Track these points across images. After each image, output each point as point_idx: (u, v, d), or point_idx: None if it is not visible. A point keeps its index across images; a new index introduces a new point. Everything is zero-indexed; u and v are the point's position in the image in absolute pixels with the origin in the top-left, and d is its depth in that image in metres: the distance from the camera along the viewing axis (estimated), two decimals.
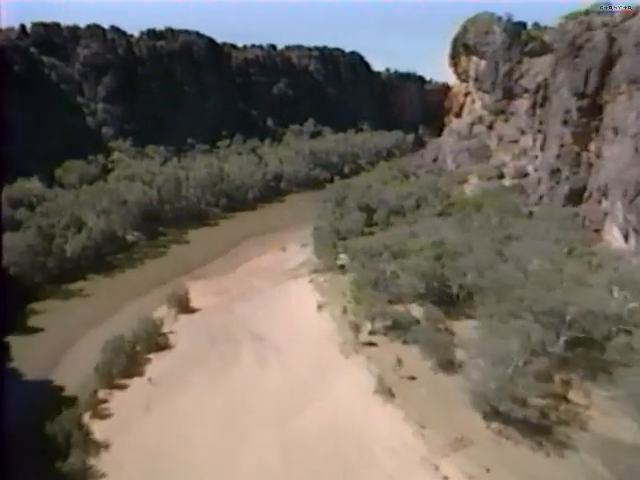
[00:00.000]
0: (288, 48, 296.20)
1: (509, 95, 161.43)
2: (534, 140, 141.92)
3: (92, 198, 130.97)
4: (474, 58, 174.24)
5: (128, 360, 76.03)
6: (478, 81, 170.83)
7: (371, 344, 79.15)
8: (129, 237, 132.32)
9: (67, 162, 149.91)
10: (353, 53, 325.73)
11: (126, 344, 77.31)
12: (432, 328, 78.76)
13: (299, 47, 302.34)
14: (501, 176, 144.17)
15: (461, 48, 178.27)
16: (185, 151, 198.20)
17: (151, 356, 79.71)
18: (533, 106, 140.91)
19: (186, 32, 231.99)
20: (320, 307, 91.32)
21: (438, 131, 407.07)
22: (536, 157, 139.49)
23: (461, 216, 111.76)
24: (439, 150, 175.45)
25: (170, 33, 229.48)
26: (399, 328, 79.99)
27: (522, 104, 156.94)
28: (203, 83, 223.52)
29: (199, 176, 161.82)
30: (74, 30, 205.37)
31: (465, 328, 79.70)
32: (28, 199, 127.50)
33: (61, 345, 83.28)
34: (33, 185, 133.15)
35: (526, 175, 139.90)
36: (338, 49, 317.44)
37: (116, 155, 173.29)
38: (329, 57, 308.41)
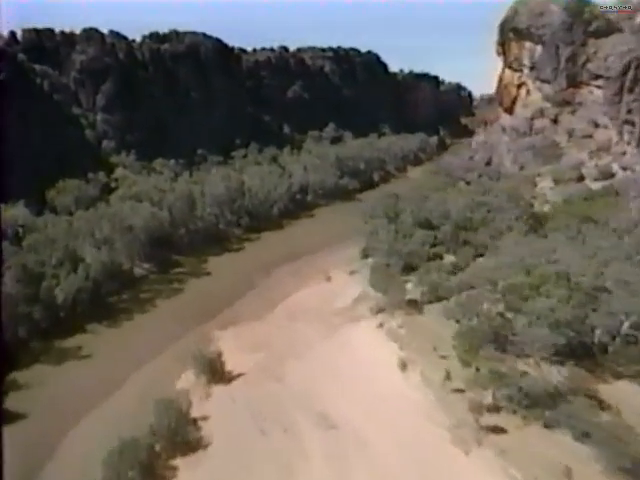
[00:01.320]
0: (300, 50, 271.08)
1: (574, 83, 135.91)
2: (619, 134, 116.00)
3: (90, 225, 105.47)
4: (527, 44, 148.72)
5: (143, 474, 49.98)
6: (535, 69, 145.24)
7: (498, 429, 53.34)
8: (137, 270, 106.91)
9: (61, 182, 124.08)
10: (369, 53, 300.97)
11: (140, 448, 51.31)
12: (586, 404, 52.96)
13: (312, 48, 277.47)
14: (581, 178, 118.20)
15: (511, 33, 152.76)
16: (197, 163, 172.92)
17: (177, 462, 53.50)
18: (618, 92, 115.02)
19: (192, 33, 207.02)
20: (404, 366, 65.51)
21: (459, 133, 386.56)
22: (623, 154, 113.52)
23: (569, 232, 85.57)
24: (491, 150, 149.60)
25: (175, 35, 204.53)
26: (534, 402, 54.20)
27: (592, 92, 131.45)
28: (211, 88, 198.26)
29: (216, 192, 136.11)
30: (69, 35, 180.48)
31: (623, 394, 54.62)
32: (13, 230, 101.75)
33: (47, 446, 57.40)
34: (19, 212, 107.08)
35: (612, 175, 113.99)
36: (354, 49, 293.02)
37: (119, 171, 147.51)
38: (344, 58, 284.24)
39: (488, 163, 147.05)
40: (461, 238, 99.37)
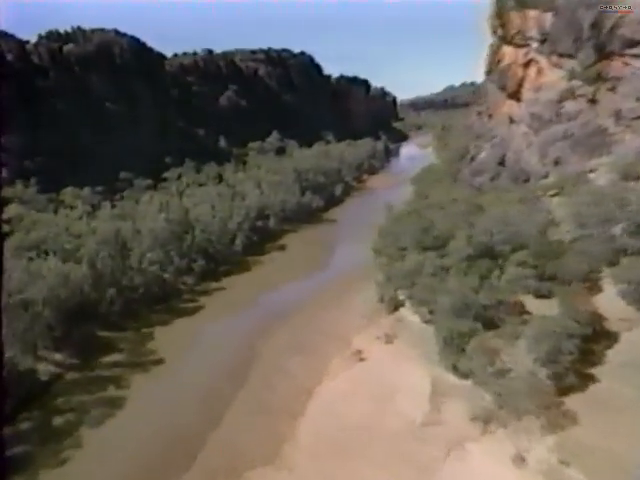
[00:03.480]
0: (226, 53, 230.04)
1: (606, 53, 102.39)
2: None
3: None
4: (532, 12, 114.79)
5: None
6: (548, 42, 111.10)
7: None
8: (43, 368, 64.00)
9: None
10: (303, 54, 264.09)
11: None
12: None
13: (240, 51, 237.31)
14: None
15: (510, 1, 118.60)
16: (121, 190, 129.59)
17: None
18: None
19: (101, 31, 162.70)
20: None
21: (396, 137, 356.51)
22: None
23: None
24: (504, 146, 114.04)
25: (80, 34, 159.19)
26: None
27: (629, 64, 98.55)
28: (131, 97, 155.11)
29: (154, 228, 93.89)
30: None
31: None
32: None
33: None
34: None
35: None
36: (286, 50, 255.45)
37: (13, 209, 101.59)
38: (277, 60, 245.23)
39: (501, 162, 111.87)
40: (548, 271, 62.39)
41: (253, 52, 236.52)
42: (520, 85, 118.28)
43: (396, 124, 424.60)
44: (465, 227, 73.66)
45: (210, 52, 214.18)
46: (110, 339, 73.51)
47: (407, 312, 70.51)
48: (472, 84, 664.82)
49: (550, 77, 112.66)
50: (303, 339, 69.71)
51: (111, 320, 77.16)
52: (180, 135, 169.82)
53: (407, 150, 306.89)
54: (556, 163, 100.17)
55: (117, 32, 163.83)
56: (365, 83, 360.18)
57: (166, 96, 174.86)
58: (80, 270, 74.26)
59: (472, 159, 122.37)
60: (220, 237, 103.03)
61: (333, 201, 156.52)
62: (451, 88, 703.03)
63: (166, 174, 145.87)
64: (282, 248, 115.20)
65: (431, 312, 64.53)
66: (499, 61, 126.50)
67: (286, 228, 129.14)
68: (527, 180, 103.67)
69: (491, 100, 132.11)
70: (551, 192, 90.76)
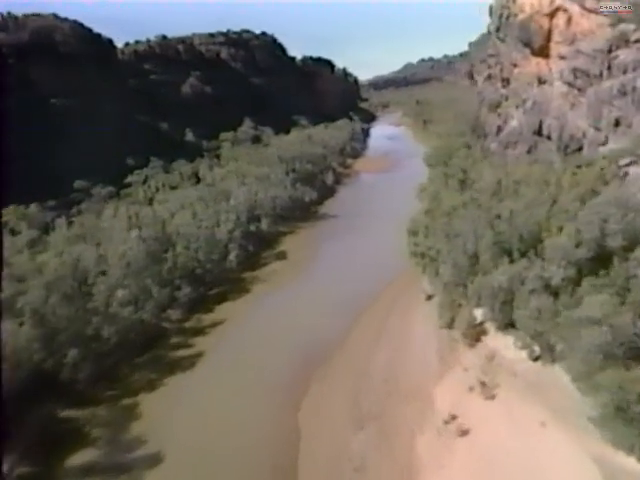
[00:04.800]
0: (183, 38, 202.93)
1: None
2: None
3: None
4: None
5: None
6: None
7: None
8: None
9: None
10: (265, 35, 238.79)
11: None
12: None
13: (197, 35, 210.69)
14: None
15: None
16: (77, 203, 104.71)
17: None
18: None
19: (37, 16, 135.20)
20: None
21: (366, 117, 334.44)
22: None
23: None
24: (540, 111, 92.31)
25: (12, 20, 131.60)
26: None
27: None
28: (80, 89, 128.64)
29: (124, 251, 70.21)
30: None
31: None
32: None
33: None
34: None
35: None
36: (247, 31, 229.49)
37: None
38: (239, 41, 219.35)
39: (538, 132, 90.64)
40: None
41: (212, 35, 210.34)
42: (548, 39, 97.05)
43: (362, 104, 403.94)
44: (558, 218, 52.11)
45: (164, 37, 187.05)
46: (78, 423, 50.39)
47: (498, 343, 49.19)
48: (430, 59, 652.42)
49: (585, 25, 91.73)
50: (362, 398, 47.74)
51: (78, 391, 53.67)
52: (142, 131, 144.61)
53: (381, 129, 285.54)
54: (617, 124, 79.24)
55: (56, 16, 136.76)
56: (329, 64, 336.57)
57: (122, 87, 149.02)
58: (23, 330, 50.40)
59: (499, 130, 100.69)
60: (208, 252, 79.71)
61: (326, 192, 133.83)
62: (410, 65, 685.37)
63: (130, 178, 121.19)
64: (282, 256, 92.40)
65: (550, 348, 43.35)
66: (515, 14, 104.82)
67: (281, 230, 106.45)
68: (579, 149, 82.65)
69: (506, 60, 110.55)
70: (624, 161, 70.04)
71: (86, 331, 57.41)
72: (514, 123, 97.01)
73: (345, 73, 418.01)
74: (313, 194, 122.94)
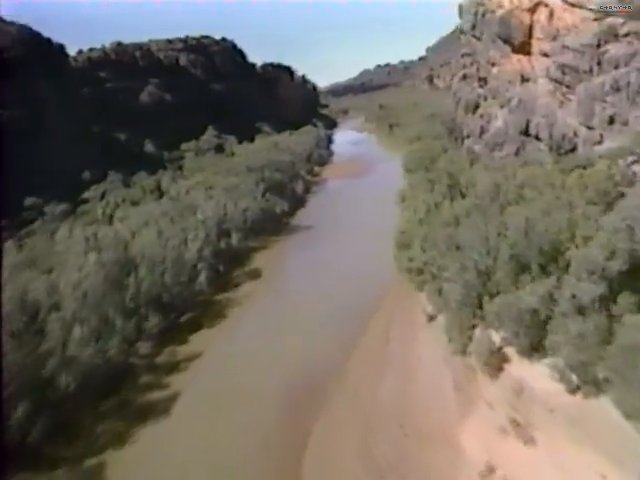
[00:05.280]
0: (140, 44, 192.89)
1: None
2: None
3: None
4: None
5: None
6: None
7: None
8: None
9: None
10: (225, 40, 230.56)
11: None
12: None
13: (154, 41, 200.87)
14: None
15: None
16: (27, 224, 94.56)
17: None
18: None
19: None
20: None
21: (328, 124, 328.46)
22: None
23: None
24: (526, 110, 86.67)
25: None
26: None
27: None
28: (29, 98, 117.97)
29: (80, 279, 61.47)
30: None
31: None
32: None
33: None
34: None
35: None
36: (206, 36, 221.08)
37: None
38: (198, 47, 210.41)
39: (525, 132, 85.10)
40: None
41: (169, 41, 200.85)
42: (529, 35, 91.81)
43: (322, 111, 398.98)
44: (580, 226, 45.91)
45: (120, 44, 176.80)
46: None
47: (525, 372, 42.29)
48: (387, 65, 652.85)
49: (568, 20, 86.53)
50: (374, 444, 40.36)
51: (32, 451, 44.74)
52: (98, 142, 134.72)
53: (344, 135, 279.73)
54: (611, 122, 74.21)
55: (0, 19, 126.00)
56: (289, 70, 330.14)
57: (75, 96, 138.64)
58: None
59: (482, 131, 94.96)
60: (176, 275, 71.25)
61: (296, 202, 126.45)
62: (367, 72, 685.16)
63: (87, 193, 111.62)
64: (256, 275, 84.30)
65: (593, 378, 36.87)
66: (492, 11, 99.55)
67: (253, 245, 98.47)
68: (573, 149, 77.30)
69: (483, 59, 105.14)
70: (627, 160, 64.93)
71: (40, 378, 48.50)
72: (499, 123, 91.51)
73: (304, 80, 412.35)
74: (284, 204, 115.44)
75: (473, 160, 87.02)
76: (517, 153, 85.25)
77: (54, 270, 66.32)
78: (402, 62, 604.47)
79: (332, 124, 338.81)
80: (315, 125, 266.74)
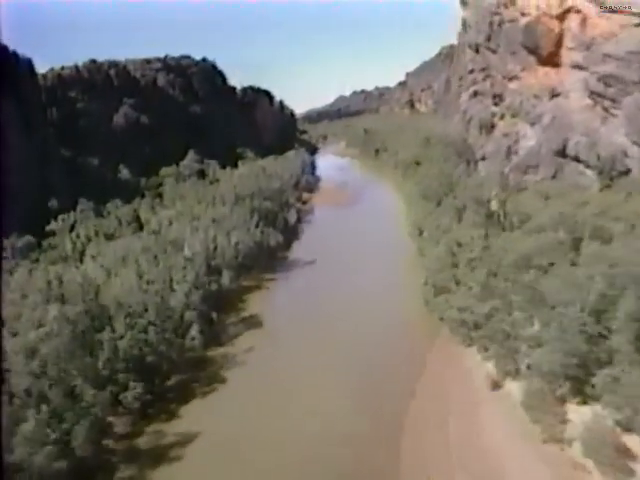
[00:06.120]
0: (115, 62, 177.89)
1: None
2: None
3: None
4: None
5: None
6: None
7: None
8: None
9: None
10: (205, 61, 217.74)
11: None
12: None
13: (132, 61, 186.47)
14: None
15: None
16: None
17: None
18: None
19: None
20: None
21: (310, 149, 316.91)
22: None
23: None
24: (562, 128, 74.85)
25: None
26: None
27: None
28: None
29: (34, 340, 46.77)
30: None
31: None
32: None
33: None
34: None
35: None
36: (185, 56, 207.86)
37: None
38: (177, 68, 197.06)
39: (562, 153, 73.16)
40: None
41: (148, 61, 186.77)
42: (558, 45, 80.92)
43: (302, 136, 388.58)
44: None
45: (94, 61, 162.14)
46: None
47: None
48: (363, 91, 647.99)
49: (604, 27, 75.93)
50: None
51: None
52: (66, 167, 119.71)
53: (326, 161, 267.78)
54: None
55: None
56: (268, 95, 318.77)
57: (42, 117, 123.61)
58: None
59: (509, 152, 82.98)
60: (162, 328, 56.81)
61: (290, 233, 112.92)
62: (342, 98, 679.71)
63: (53, 224, 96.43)
64: (255, 323, 70.10)
65: None
66: (512, 20, 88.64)
67: (246, 284, 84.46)
68: (626, 172, 65.55)
69: (499, 73, 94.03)
70: None
71: None
72: (530, 143, 79.59)
73: (281, 105, 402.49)
74: (278, 236, 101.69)
75: (504, 185, 74.45)
76: (554, 176, 73.50)
77: (4, 325, 51.35)
78: (377, 88, 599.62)
79: (313, 149, 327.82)
80: (297, 150, 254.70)
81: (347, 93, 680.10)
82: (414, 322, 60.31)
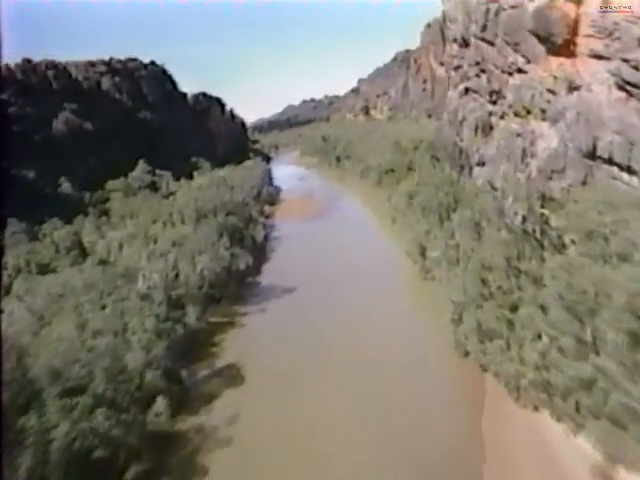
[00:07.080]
0: (54, 63, 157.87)
1: None
2: None
3: None
4: None
5: None
6: None
7: None
8: None
9: None
10: (154, 64, 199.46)
11: None
12: None
13: (72, 62, 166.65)
14: None
15: None
16: None
17: None
18: None
19: None
20: None
21: (264, 159, 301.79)
22: None
23: None
24: (589, 126, 62.25)
25: None
26: None
27: None
28: None
29: None
30: None
31: None
32: None
33: None
34: None
35: None
36: (132, 59, 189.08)
37: None
38: (123, 71, 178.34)
39: (591, 154, 60.72)
40: None
41: (92, 64, 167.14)
42: (574, 32, 68.67)
43: (254, 146, 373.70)
44: None
45: (29, 61, 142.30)
46: None
47: None
48: (312, 100, 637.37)
49: (635, 8, 64.14)
50: None
51: None
52: None
53: (282, 170, 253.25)
54: None
55: None
56: (220, 103, 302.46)
57: None
58: None
59: (524, 154, 70.03)
60: (114, 402, 40.73)
61: (258, 252, 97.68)
62: (291, 107, 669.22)
63: None
64: (232, 376, 54.31)
65: None
66: (514, 5, 76.11)
67: (215, 320, 68.74)
68: None
69: (497, 68, 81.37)
70: None
71: None
72: (553, 144, 66.78)
73: (232, 114, 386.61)
74: (248, 258, 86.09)
75: (529, 194, 61.26)
76: (585, 181, 61.07)
77: None
78: (327, 97, 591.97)
79: (267, 159, 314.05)
80: (254, 160, 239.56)
81: (296, 102, 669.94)
82: (448, 375, 46.30)
